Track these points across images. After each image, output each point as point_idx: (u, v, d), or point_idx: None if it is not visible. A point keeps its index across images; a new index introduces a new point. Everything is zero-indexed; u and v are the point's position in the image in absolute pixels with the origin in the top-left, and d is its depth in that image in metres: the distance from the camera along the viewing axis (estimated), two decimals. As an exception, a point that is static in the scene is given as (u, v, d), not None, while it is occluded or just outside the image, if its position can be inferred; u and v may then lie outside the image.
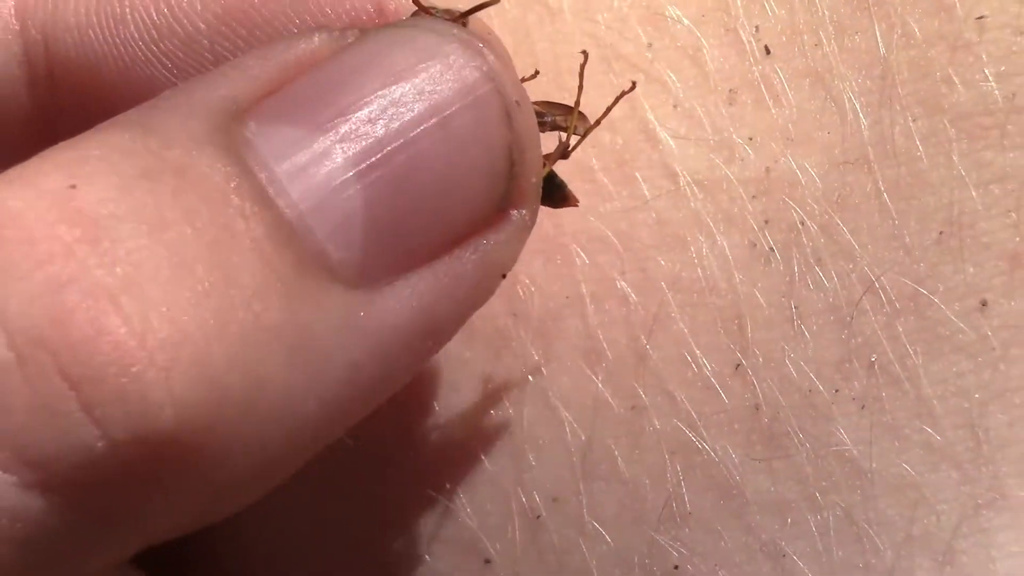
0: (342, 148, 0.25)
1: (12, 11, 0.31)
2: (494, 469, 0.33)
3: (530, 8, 0.34)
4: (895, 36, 0.33)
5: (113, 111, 0.26)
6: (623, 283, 0.33)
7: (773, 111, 0.33)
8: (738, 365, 0.32)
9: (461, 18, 0.28)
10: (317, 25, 0.29)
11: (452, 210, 0.26)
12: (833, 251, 0.32)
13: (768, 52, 0.33)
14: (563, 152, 0.31)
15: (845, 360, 0.32)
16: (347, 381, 0.25)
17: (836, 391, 0.32)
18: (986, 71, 0.32)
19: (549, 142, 0.30)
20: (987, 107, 0.32)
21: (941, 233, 0.32)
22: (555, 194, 0.31)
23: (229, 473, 0.24)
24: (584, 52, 0.31)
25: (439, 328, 0.27)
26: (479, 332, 0.33)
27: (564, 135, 0.31)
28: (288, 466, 0.26)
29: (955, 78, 0.32)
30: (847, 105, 0.33)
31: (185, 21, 0.30)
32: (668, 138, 0.33)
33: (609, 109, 0.31)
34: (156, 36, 0.30)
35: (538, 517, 0.33)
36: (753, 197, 0.33)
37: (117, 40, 0.30)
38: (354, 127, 0.25)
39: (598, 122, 0.31)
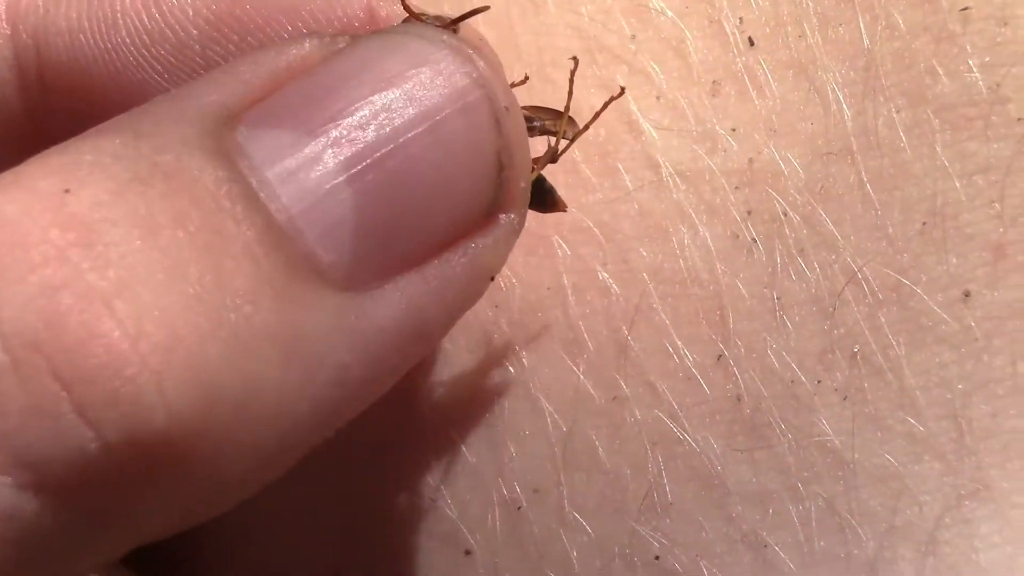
0: (332, 153, 0.25)
1: (3, 15, 0.31)
2: (475, 460, 0.33)
3: (513, 1, 0.34)
4: (879, 27, 0.33)
5: (104, 115, 0.26)
6: (605, 274, 0.33)
7: (756, 102, 0.33)
8: (720, 356, 0.32)
9: (451, 25, 0.28)
10: (308, 31, 0.30)
11: (442, 214, 0.26)
12: (816, 242, 0.32)
13: (752, 43, 0.33)
14: (552, 156, 0.31)
15: (827, 351, 0.32)
16: (338, 382, 0.25)
17: (818, 382, 0.32)
18: (970, 62, 0.32)
19: (538, 146, 0.30)
20: (971, 98, 0.32)
21: (924, 224, 0.32)
22: (544, 198, 0.31)
23: (221, 474, 0.24)
24: (575, 58, 0.31)
25: (428, 330, 0.27)
26: (460, 324, 0.33)
27: (553, 140, 0.31)
28: (279, 466, 0.26)
29: (939, 69, 0.32)
30: (831, 96, 0.33)
31: (177, 26, 0.30)
32: (651, 129, 0.33)
33: (597, 114, 0.31)
34: (148, 41, 0.30)
35: (519, 508, 0.33)
36: (736, 188, 0.33)
37: (109, 45, 0.30)
38: (345, 132, 0.25)
39: (587, 126, 0.32)
